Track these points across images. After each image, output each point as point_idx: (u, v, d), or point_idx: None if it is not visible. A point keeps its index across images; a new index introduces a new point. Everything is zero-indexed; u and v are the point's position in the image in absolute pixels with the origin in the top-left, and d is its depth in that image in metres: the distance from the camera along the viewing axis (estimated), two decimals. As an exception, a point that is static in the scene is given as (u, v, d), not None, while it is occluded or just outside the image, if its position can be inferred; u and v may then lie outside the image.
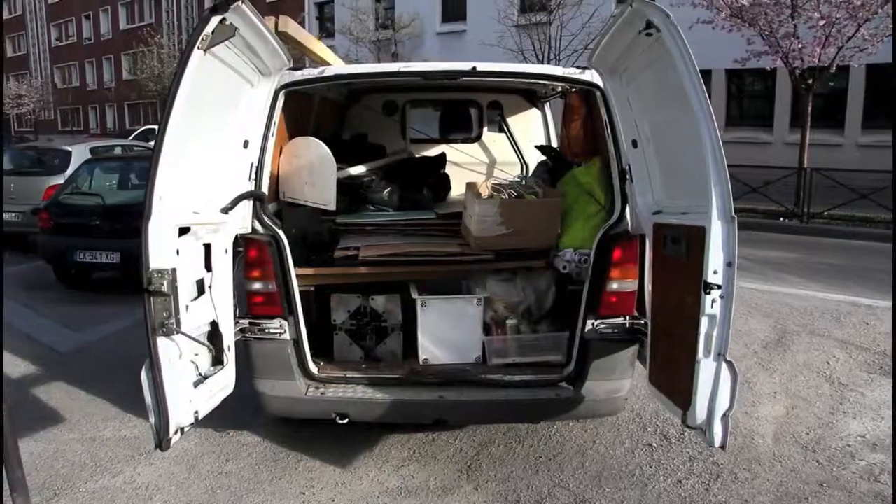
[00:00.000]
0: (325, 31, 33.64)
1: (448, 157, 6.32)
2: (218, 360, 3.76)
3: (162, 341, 3.11)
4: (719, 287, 3.16)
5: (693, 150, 3.30)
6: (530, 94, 6.99)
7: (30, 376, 6.18)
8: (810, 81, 14.86)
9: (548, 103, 7.12)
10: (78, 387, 5.88)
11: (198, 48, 3.07)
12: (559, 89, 5.95)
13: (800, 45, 14.29)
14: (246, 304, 4.29)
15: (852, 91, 20.40)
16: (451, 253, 4.50)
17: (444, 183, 5.79)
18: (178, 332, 3.12)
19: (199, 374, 3.57)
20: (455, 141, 7.14)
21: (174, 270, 3.13)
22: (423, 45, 29.00)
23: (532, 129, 7.04)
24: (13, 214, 11.38)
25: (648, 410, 5.31)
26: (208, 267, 3.68)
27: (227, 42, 3.30)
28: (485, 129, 7.22)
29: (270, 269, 4.19)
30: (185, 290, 3.34)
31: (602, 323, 4.24)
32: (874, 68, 18.19)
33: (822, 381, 6.04)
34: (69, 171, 10.86)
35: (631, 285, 4.23)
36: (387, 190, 5.30)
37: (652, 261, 3.89)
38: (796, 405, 5.54)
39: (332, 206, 4.74)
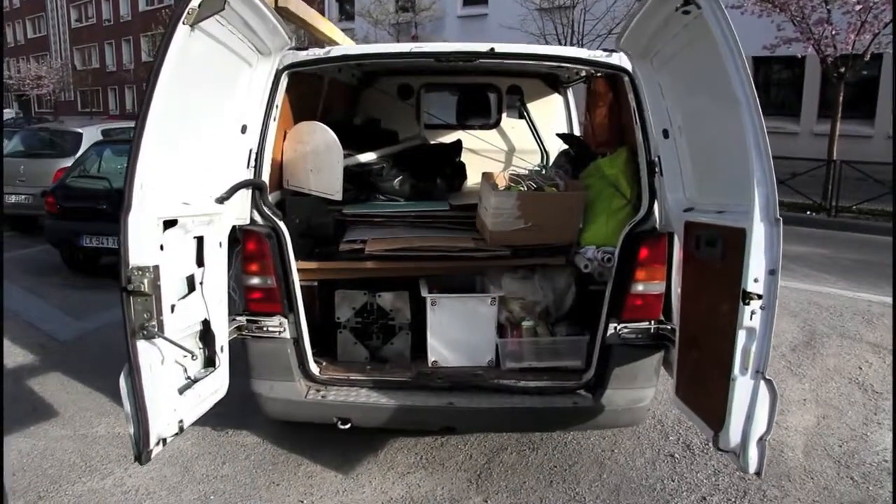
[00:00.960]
0: (345, 13, 33.23)
1: (464, 145, 5.99)
2: (210, 362, 3.50)
3: (142, 345, 2.84)
4: (760, 297, 2.84)
5: (733, 142, 2.97)
6: (552, 78, 6.64)
7: (26, 367, 5.97)
8: (842, 70, 14.32)
9: (570, 89, 6.77)
10: (75, 378, 5.66)
11: (183, 23, 2.77)
12: (583, 74, 5.61)
13: (833, 32, 13.77)
14: (243, 300, 4.02)
15: (884, 80, 19.71)
16: (464, 248, 4.20)
17: (460, 172, 5.47)
18: (159, 336, 2.84)
19: (188, 378, 3.31)
20: (472, 127, 6.80)
21: (157, 268, 2.85)
22: (444, 29, 28.54)
23: (553, 115, 6.70)
24: (24, 197, 11.21)
25: (671, 417, 5.00)
26: (200, 262, 3.40)
27: (218, 17, 3.00)
28: (503, 115, 6.88)
29: (269, 263, 3.91)
30: (171, 288, 3.07)
31: (625, 327, 3.94)
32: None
33: (855, 389, 5.70)
34: (79, 154, 10.65)
35: (658, 287, 3.92)
36: (398, 179, 4.99)
37: (682, 262, 3.57)
38: (827, 414, 5.22)
39: (338, 196, 4.45)
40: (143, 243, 2.81)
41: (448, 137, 6.55)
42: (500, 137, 6.87)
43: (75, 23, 57.19)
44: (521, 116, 6.78)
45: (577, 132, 6.73)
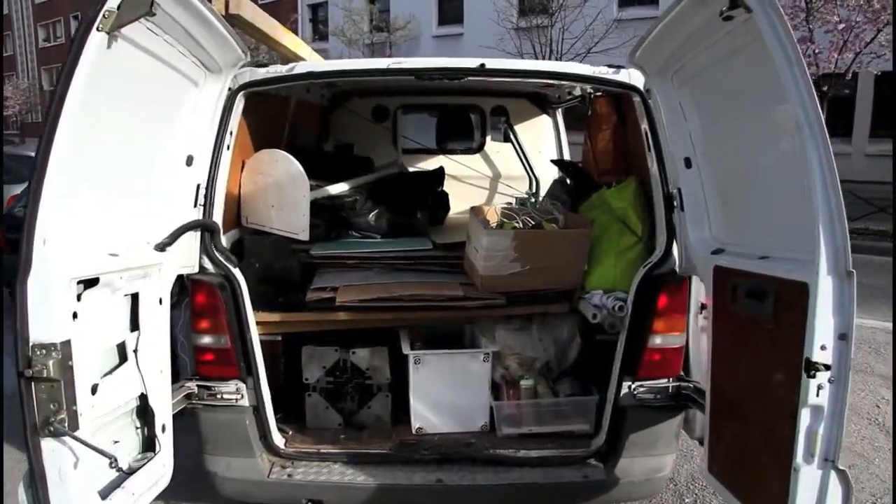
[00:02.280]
0: (319, 33, 32.76)
1: (445, 171, 5.40)
2: (149, 445, 2.87)
3: (48, 445, 2.21)
4: (828, 367, 2.28)
5: (783, 174, 2.43)
6: (540, 98, 6.13)
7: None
8: (825, 88, 14.05)
9: (559, 111, 6.25)
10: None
11: (98, 29, 2.17)
12: (576, 93, 5.07)
13: (815, 51, 13.50)
14: (193, 362, 3.40)
15: (860, 98, 19.57)
16: (451, 297, 3.61)
17: (443, 203, 4.89)
18: (69, 436, 2.20)
19: (119, 470, 2.67)
20: (454, 152, 6.26)
21: (67, 344, 2.22)
22: (419, 49, 28.14)
23: (542, 138, 6.18)
24: (-30, 227, 10.43)
25: (683, 474, 4.44)
26: (135, 325, 2.79)
27: (148, 25, 2.41)
28: (488, 138, 6.33)
29: (223, 318, 3.31)
30: (91, 365, 2.44)
31: (641, 386, 3.41)
32: (889, 75, 17.41)
33: (877, 431, 5.21)
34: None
35: (678, 340, 3.40)
36: (373, 213, 4.40)
37: (714, 314, 3.00)
38: (854, 463, 4.71)
39: (304, 236, 3.86)
40: (47, 314, 2.19)
41: (428, 163, 6.03)
42: (483, 163, 6.32)
43: (43, 42, 56.08)
44: (506, 139, 6.25)
45: (567, 156, 6.23)
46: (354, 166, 4.85)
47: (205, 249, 3.30)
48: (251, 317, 3.39)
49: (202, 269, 3.30)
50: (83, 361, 2.33)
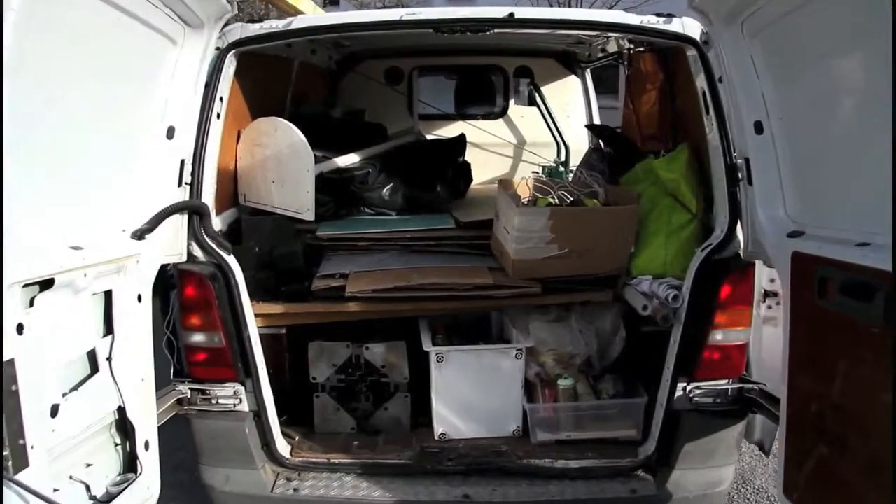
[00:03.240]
0: (328, -3, 31.94)
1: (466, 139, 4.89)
2: (130, 465, 2.46)
3: (-12, 491, 1.78)
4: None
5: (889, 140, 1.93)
6: (568, 58, 5.59)
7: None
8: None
9: (589, 70, 5.70)
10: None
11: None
12: (611, 49, 4.53)
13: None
14: (185, 363, 2.99)
15: None
16: (479, 286, 3.14)
17: (465, 174, 4.39)
18: (10, 480, 1.77)
19: (94, 499, 2.27)
20: (474, 117, 5.75)
21: (10, 364, 1.79)
22: (432, 5, 27.29)
23: (571, 102, 5.66)
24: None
25: (751, 488, 4.00)
26: (109, 328, 2.35)
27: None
28: (511, 102, 5.80)
29: (215, 313, 2.89)
30: (48, 384, 2.02)
31: (698, 388, 2.98)
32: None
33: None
34: None
35: (742, 336, 2.97)
36: (388, 187, 3.93)
37: (792, 310, 2.52)
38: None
39: (309, 216, 3.41)
40: (-19, 328, 1.75)
41: (445, 130, 5.53)
42: (507, 129, 5.81)
43: None
44: (531, 103, 5.72)
45: (596, 121, 5.71)
46: (366, 135, 4.36)
47: (193, 235, 2.87)
48: (248, 310, 2.97)
49: (190, 257, 2.88)
50: (35, 381, 1.90)
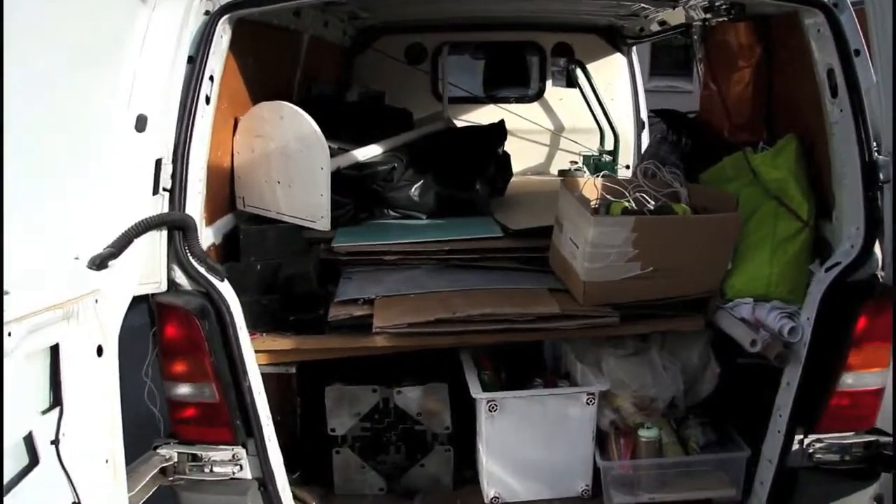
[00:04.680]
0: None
1: None
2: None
3: None
4: None
5: None
6: (612, 33, 4.91)
7: None
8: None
9: (635, 48, 5.03)
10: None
11: None
12: (675, 21, 3.85)
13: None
14: (169, 419, 2.36)
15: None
16: (543, 316, 2.47)
17: (505, 168, 3.71)
18: None
19: None
20: (506, 100, 5.08)
21: None
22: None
23: (615, 83, 5.00)
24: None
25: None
26: (57, 397, 1.71)
27: None
28: (548, 83, 5.12)
29: (206, 359, 2.25)
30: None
31: (819, 441, 2.36)
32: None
33: None
34: None
35: (878, 379, 2.36)
36: (417, 185, 3.27)
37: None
38: None
39: (322, 225, 2.76)
40: None
41: (473, 115, 4.86)
42: (543, 113, 5.13)
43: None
44: (570, 84, 5.05)
45: (643, 104, 5.03)
46: (389, 122, 3.69)
47: (175, 256, 2.21)
48: (249, 352, 2.33)
49: (172, 285, 2.23)
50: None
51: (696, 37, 3.57)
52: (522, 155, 4.79)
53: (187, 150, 2.22)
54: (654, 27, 4.29)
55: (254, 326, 2.58)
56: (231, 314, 2.27)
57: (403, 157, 3.32)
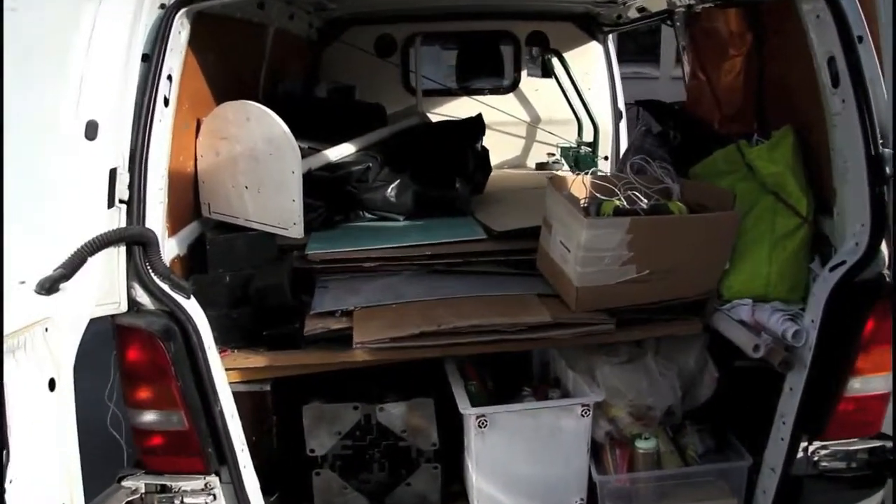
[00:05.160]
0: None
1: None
2: None
3: None
4: None
5: None
6: (590, 21, 4.77)
7: None
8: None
9: (611, 37, 4.90)
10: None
11: None
12: (656, 8, 3.72)
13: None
14: (135, 448, 2.19)
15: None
16: (535, 325, 2.32)
17: (484, 165, 3.55)
18: None
19: None
20: (480, 92, 4.93)
21: None
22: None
23: (592, 73, 4.85)
24: None
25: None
26: (2, 440, 1.53)
27: None
28: (523, 73, 4.97)
29: (172, 384, 2.07)
30: None
31: (825, 449, 2.26)
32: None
33: None
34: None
35: (886, 384, 2.22)
36: (394, 185, 3.11)
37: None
38: None
39: (295, 232, 2.59)
40: None
41: (446, 108, 4.72)
42: (519, 105, 4.98)
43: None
44: (546, 74, 4.91)
45: (620, 94, 4.91)
46: (361, 118, 3.51)
47: (136, 274, 2.02)
48: (219, 373, 2.16)
49: (133, 305, 2.04)
50: None
51: (678, 24, 3.45)
52: (498, 148, 4.64)
53: (145, 157, 2.04)
54: (633, 14, 4.16)
55: (224, 342, 2.44)
56: (199, 334, 2.10)
57: (378, 155, 3.16)
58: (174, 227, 2.45)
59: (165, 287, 2.07)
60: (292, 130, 2.71)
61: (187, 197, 2.66)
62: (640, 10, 3.96)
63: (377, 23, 4.64)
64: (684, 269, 2.37)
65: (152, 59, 2.05)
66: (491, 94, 4.93)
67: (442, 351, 2.36)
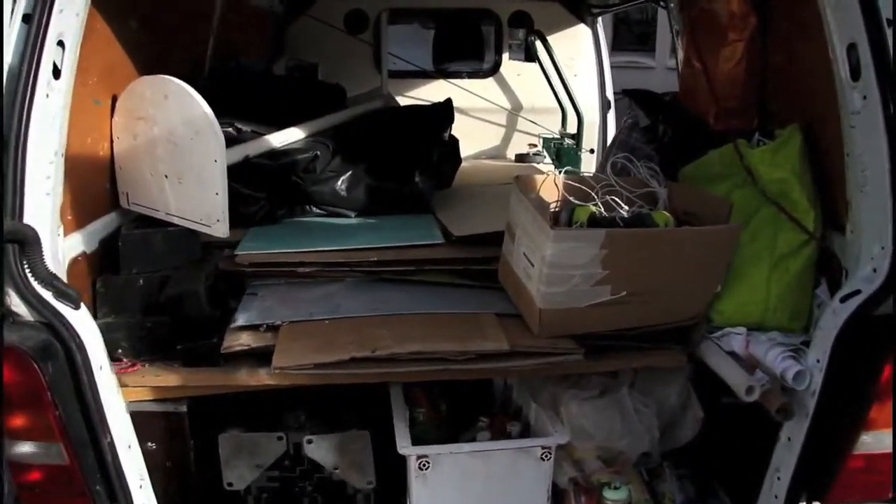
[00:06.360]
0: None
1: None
2: None
3: None
4: None
5: None
6: (576, 1, 4.42)
7: None
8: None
9: (601, 20, 4.56)
10: None
11: None
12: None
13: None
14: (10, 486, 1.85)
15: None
16: (489, 353, 1.98)
17: (452, 157, 3.20)
18: None
19: None
20: (458, 75, 4.59)
21: None
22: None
23: (579, 57, 4.51)
24: None
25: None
26: None
27: None
28: (504, 56, 4.61)
29: (49, 413, 1.73)
30: None
31: None
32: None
33: None
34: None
35: None
36: (345, 176, 2.76)
37: None
38: None
39: (219, 230, 2.22)
40: None
41: (421, 92, 4.37)
42: (499, 90, 4.63)
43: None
44: (529, 59, 4.56)
45: (609, 81, 4.57)
46: (315, 100, 3.14)
47: (10, 278, 1.67)
48: (113, 398, 1.83)
49: (8, 316, 1.69)
50: None
51: (672, 5, 3.10)
52: (475, 136, 4.36)
53: (22, 138, 1.68)
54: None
55: (136, 355, 2.12)
56: (84, 352, 1.75)
57: (329, 142, 2.80)
58: (80, 220, 2.10)
59: (47, 295, 1.72)
60: (237, 110, 2.36)
61: (100, 184, 2.30)
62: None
63: None
64: (669, 290, 2.03)
65: (33, 20, 1.69)
66: (470, 77, 4.63)
67: (378, 377, 2.01)
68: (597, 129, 4.54)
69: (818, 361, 1.84)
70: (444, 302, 2.23)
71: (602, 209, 2.14)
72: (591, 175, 2.53)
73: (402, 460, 2.07)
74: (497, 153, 4.64)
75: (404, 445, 1.96)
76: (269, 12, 4.04)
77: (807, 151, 2.15)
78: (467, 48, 4.76)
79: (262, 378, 2.02)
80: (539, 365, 1.99)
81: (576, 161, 4.28)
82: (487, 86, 4.62)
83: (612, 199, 2.15)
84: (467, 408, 2.30)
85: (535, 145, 4.56)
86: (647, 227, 2.03)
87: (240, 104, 2.72)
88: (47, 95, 1.75)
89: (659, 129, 2.74)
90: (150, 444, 2.08)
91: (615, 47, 14.46)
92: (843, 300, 1.84)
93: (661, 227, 2.04)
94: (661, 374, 2.22)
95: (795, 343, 1.97)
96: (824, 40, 1.90)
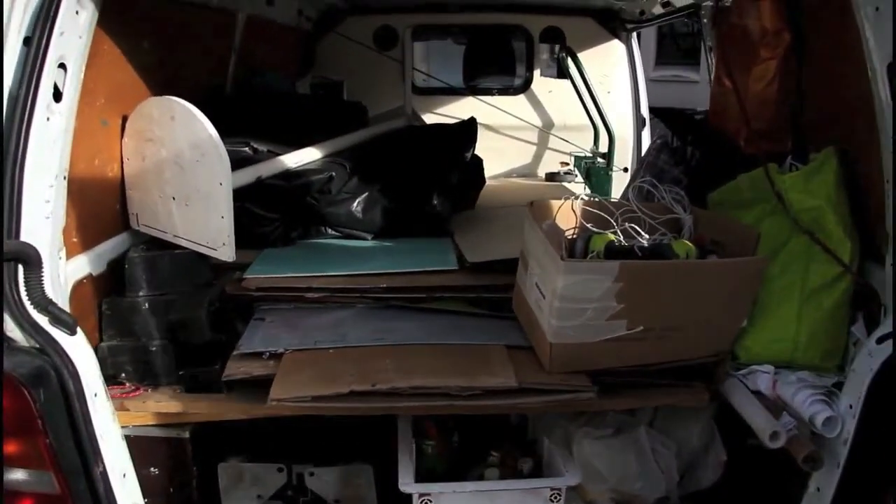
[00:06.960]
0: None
1: (477, 120, 3.61)
2: None
3: None
4: None
5: None
6: (609, 16, 4.33)
7: None
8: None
9: (635, 35, 4.44)
10: None
11: None
12: (681, 2, 3.26)
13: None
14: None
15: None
16: (493, 391, 1.88)
17: (475, 178, 3.12)
18: None
19: None
20: (488, 92, 4.52)
21: None
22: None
23: (613, 74, 4.40)
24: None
25: None
26: None
27: None
28: (536, 72, 4.52)
29: (40, 441, 1.68)
30: None
31: None
32: None
33: None
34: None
35: None
36: (361, 198, 2.70)
37: None
38: None
39: (225, 254, 2.18)
40: None
41: (451, 109, 4.32)
42: (530, 107, 4.54)
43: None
44: (561, 75, 4.45)
45: (644, 100, 4.45)
46: (336, 119, 3.09)
47: (6, 301, 1.64)
48: (109, 425, 1.79)
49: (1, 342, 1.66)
50: None
51: (705, 20, 2.98)
52: (506, 154, 4.29)
53: (20, 163, 1.65)
54: (658, 9, 3.74)
55: (139, 379, 2.08)
56: (78, 380, 1.71)
57: (346, 163, 2.74)
58: (87, 242, 2.08)
59: (42, 321, 1.69)
60: (255, 129, 2.31)
61: (108, 205, 2.28)
62: (665, 4, 3.52)
63: (377, 13, 4.26)
64: (689, 326, 1.91)
65: (33, 43, 1.66)
66: (500, 94, 4.53)
67: (379, 411, 1.94)
68: (631, 147, 4.42)
69: (851, 407, 1.71)
70: (455, 331, 2.15)
71: (621, 237, 2.03)
72: (614, 200, 2.41)
73: (407, 495, 1.99)
74: (528, 171, 4.55)
75: (406, 482, 1.88)
76: (296, 29, 4.02)
77: (843, 178, 2.02)
78: (498, 64, 4.68)
79: (262, 408, 1.96)
80: (548, 403, 1.89)
81: (605, 181, 4.17)
82: (518, 103, 4.53)
83: (631, 227, 2.04)
84: (480, 439, 2.21)
85: (567, 164, 4.46)
86: (667, 258, 1.91)
87: (259, 123, 2.70)
88: (48, 119, 1.72)
89: (687, 151, 2.63)
90: (152, 469, 2.06)
91: (659, 61, 14.26)
92: (879, 341, 1.71)
93: (682, 257, 1.92)
94: (682, 413, 2.11)
95: (827, 385, 1.84)
96: (863, 58, 1.78)
